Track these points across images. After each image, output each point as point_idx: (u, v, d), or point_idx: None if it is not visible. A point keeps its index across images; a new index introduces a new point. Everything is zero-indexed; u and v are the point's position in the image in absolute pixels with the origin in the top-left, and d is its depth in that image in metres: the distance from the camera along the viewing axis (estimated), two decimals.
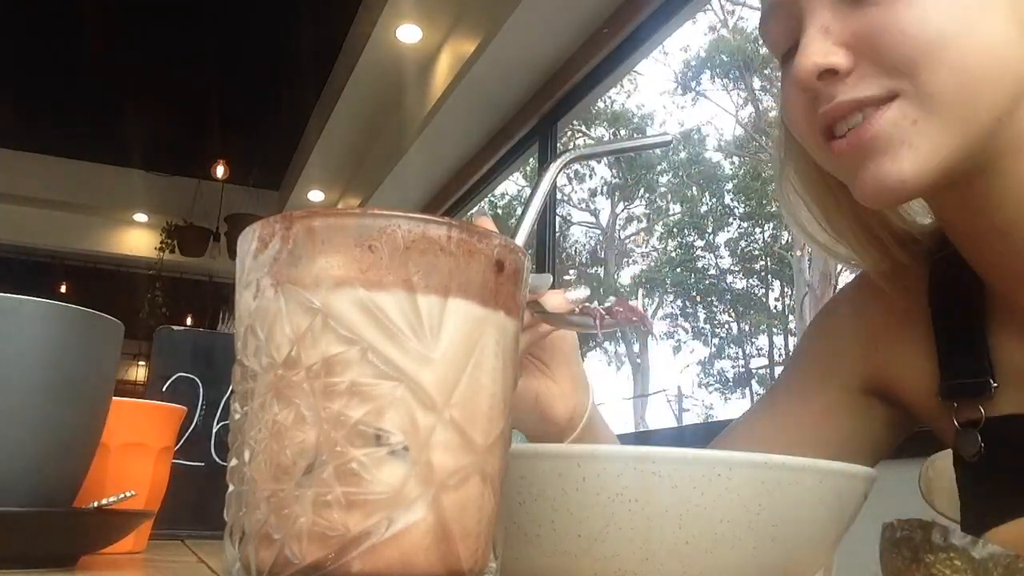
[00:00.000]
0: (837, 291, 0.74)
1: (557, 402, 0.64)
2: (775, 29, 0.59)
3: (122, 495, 0.60)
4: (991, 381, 0.61)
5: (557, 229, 3.92)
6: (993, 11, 0.52)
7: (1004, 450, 0.61)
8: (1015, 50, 0.52)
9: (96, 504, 0.59)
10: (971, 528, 0.37)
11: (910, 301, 0.66)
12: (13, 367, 0.49)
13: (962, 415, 0.63)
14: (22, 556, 0.48)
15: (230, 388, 0.32)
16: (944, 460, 0.70)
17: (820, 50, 0.53)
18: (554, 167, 0.54)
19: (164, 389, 0.96)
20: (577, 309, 0.56)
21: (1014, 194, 0.55)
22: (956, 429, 0.63)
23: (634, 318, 0.55)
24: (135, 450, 0.68)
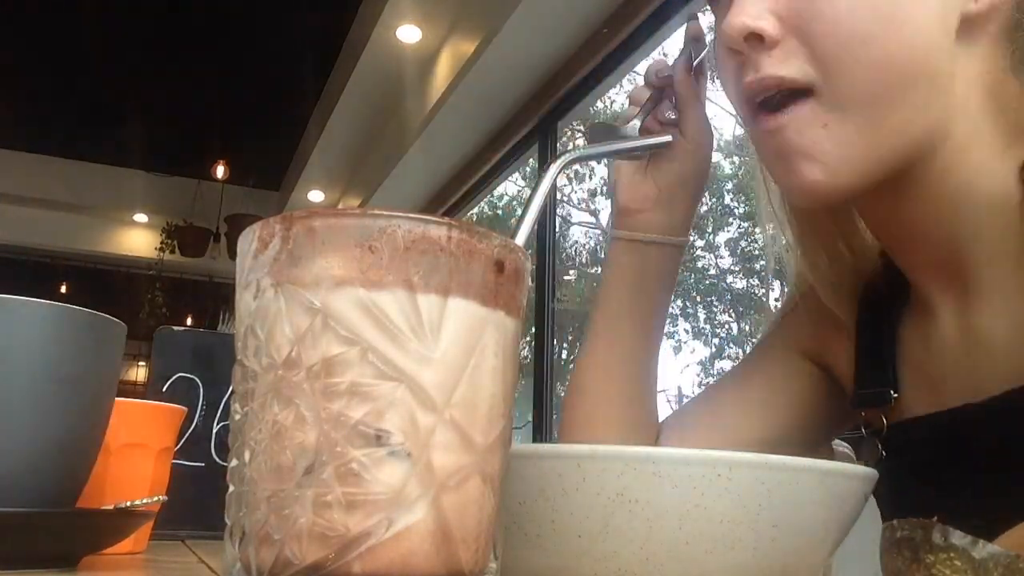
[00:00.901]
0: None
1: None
2: None
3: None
4: (891, 392, 0.61)
5: (557, 229, 3.92)
6: (922, 8, 0.52)
7: (901, 455, 0.61)
8: (932, 48, 0.52)
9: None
10: None
11: (848, 311, 0.67)
12: (15, 368, 0.49)
13: (870, 424, 0.64)
14: (23, 556, 0.48)
15: (230, 388, 0.32)
16: None
17: (752, 12, 0.53)
18: (554, 168, 0.54)
19: (164, 389, 0.96)
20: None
21: (920, 193, 0.55)
22: (861, 437, 0.64)
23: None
24: (135, 450, 0.68)
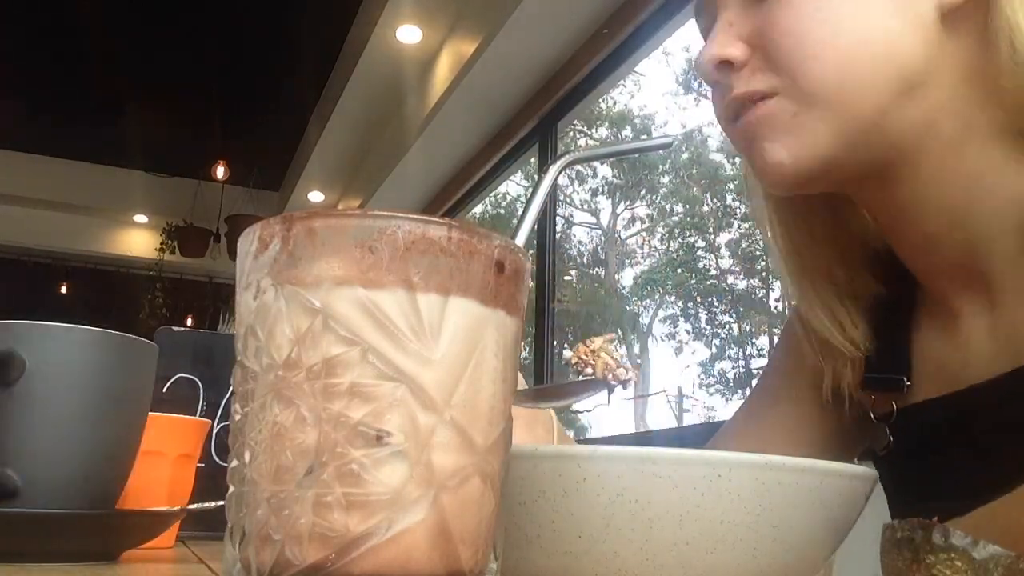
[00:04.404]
0: None
1: None
2: (701, 24, 0.63)
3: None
4: (905, 379, 0.62)
5: (558, 230, 3.92)
6: (873, 6, 0.53)
7: (909, 440, 0.62)
8: (897, 44, 0.53)
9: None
10: None
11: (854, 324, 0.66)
12: (63, 387, 0.56)
13: (878, 409, 0.64)
14: (63, 553, 0.54)
15: (230, 389, 0.32)
16: None
17: (720, 42, 0.57)
18: (554, 168, 0.54)
19: (164, 390, 0.96)
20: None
21: (923, 194, 0.56)
22: (871, 423, 0.64)
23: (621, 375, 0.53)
24: (151, 457, 0.72)
